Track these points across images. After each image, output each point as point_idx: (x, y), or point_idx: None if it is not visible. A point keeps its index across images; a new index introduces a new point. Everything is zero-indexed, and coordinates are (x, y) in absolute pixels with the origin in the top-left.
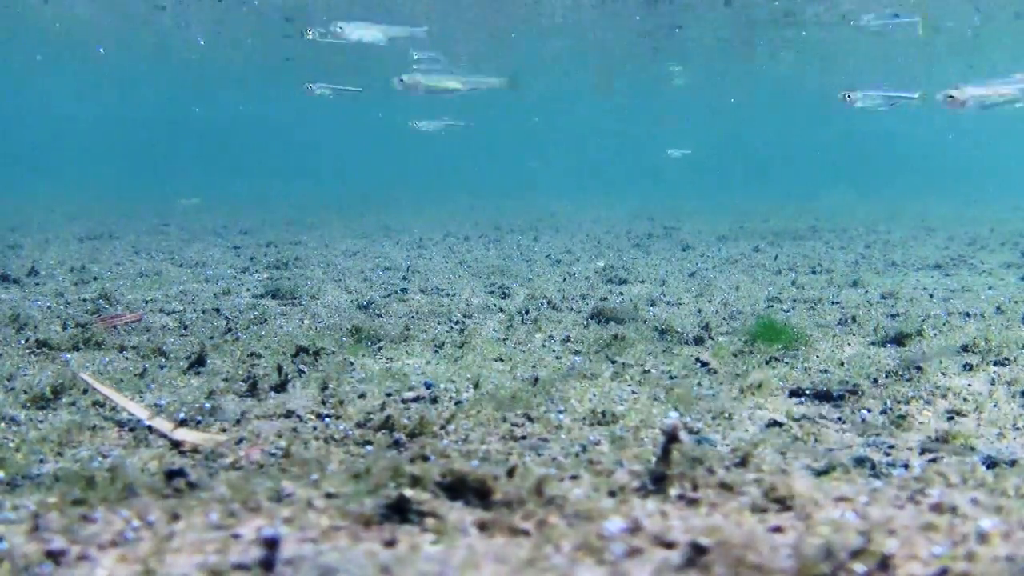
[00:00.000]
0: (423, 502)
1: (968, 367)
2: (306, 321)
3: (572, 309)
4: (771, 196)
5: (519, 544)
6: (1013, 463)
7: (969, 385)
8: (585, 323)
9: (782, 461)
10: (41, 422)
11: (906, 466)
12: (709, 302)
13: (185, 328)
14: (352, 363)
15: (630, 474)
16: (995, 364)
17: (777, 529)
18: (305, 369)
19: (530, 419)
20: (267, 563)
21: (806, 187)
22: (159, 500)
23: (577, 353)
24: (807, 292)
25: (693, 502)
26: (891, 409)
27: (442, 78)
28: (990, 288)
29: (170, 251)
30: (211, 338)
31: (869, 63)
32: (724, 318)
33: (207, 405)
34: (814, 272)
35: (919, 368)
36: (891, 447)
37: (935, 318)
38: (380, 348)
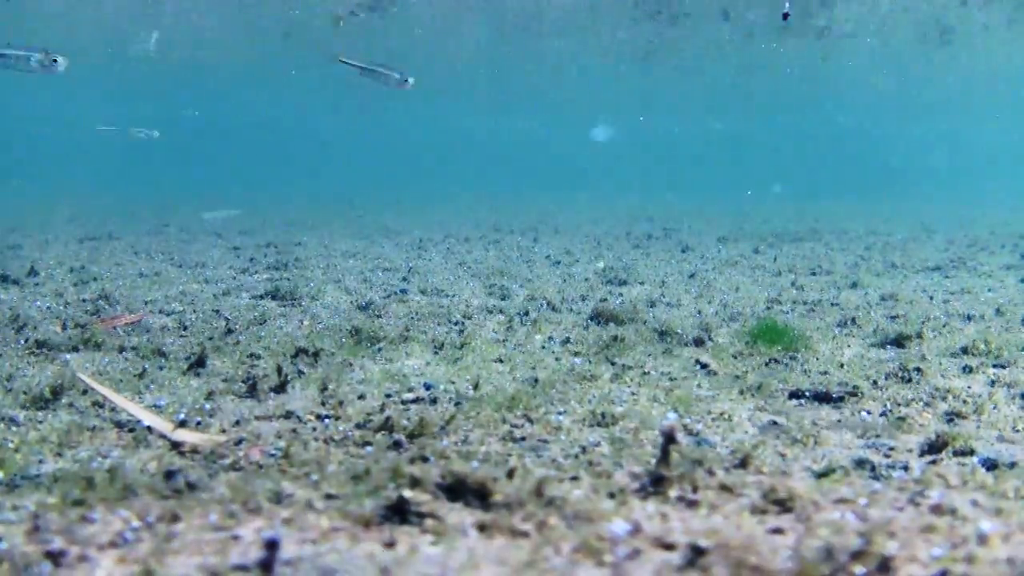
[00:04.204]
0: (423, 503)
1: (968, 369)
2: (306, 322)
3: (572, 310)
4: (771, 197)
5: (519, 545)
6: (1013, 465)
7: (969, 387)
8: (585, 324)
9: (782, 463)
10: (40, 423)
11: (906, 468)
12: (709, 303)
13: (185, 329)
14: (352, 364)
15: (630, 476)
16: (995, 366)
17: (777, 531)
18: (305, 370)
19: (530, 420)
20: (266, 564)
21: (806, 188)
22: (159, 501)
23: (577, 354)
24: (807, 294)
25: (693, 504)
26: (891, 411)
27: None
28: (990, 290)
29: (170, 252)
30: (211, 339)
31: (870, 61)
32: (724, 319)
33: (207, 406)
34: (814, 274)
35: (919, 370)
36: (891, 449)
37: (935, 320)
38: (380, 349)
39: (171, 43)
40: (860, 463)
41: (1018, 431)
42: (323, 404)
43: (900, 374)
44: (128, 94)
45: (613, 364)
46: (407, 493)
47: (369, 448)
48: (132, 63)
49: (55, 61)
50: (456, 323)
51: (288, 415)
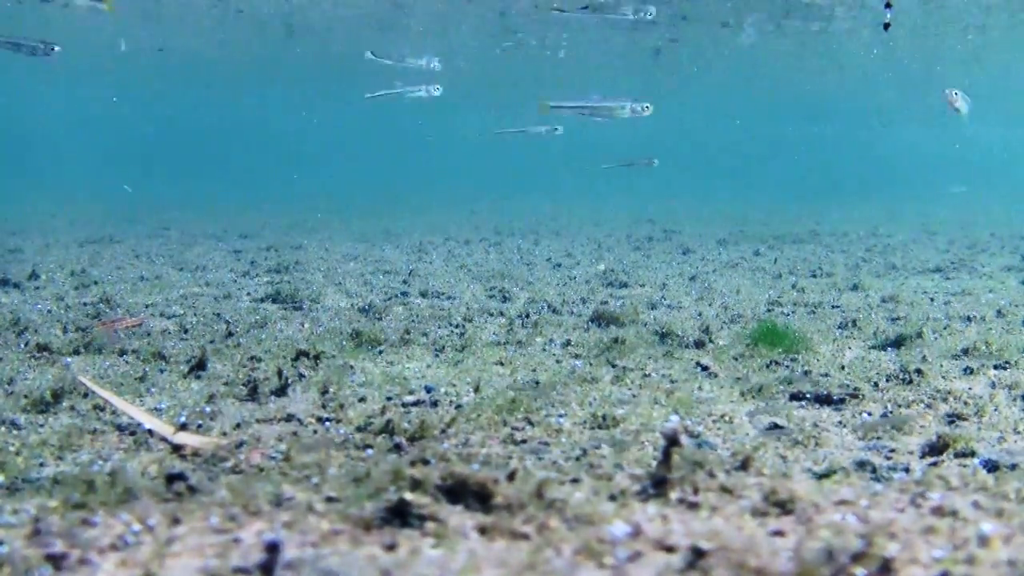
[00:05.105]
0: (424, 506)
1: (969, 371)
2: (306, 325)
3: (572, 313)
4: (771, 199)
5: (520, 548)
6: (1014, 467)
7: (970, 389)
8: (585, 327)
9: (783, 464)
10: (41, 426)
11: (907, 469)
12: (709, 306)
13: (185, 332)
14: (352, 367)
15: (631, 478)
16: (995, 368)
17: (778, 533)
18: (305, 373)
19: (530, 423)
20: (267, 567)
21: (806, 190)
22: (159, 504)
23: (577, 357)
24: (807, 296)
25: (694, 506)
26: (892, 412)
27: None
28: (991, 292)
29: (170, 255)
30: (211, 342)
31: (870, 62)
32: (724, 322)
33: (207, 409)
34: (814, 276)
35: (919, 371)
36: (892, 450)
37: (935, 322)
38: (380, 352)
39: (169, 42)
40: (861, 465)
41: (1019, 433)
42: (324, 407)
43: (901, 376)
44: (129, 94)
45: (614, 366)
46: (408, 496)
47: (370, 451)
48: (131, 60)
49: (641, 109)
50: (457, 326)
51: (289, 418)
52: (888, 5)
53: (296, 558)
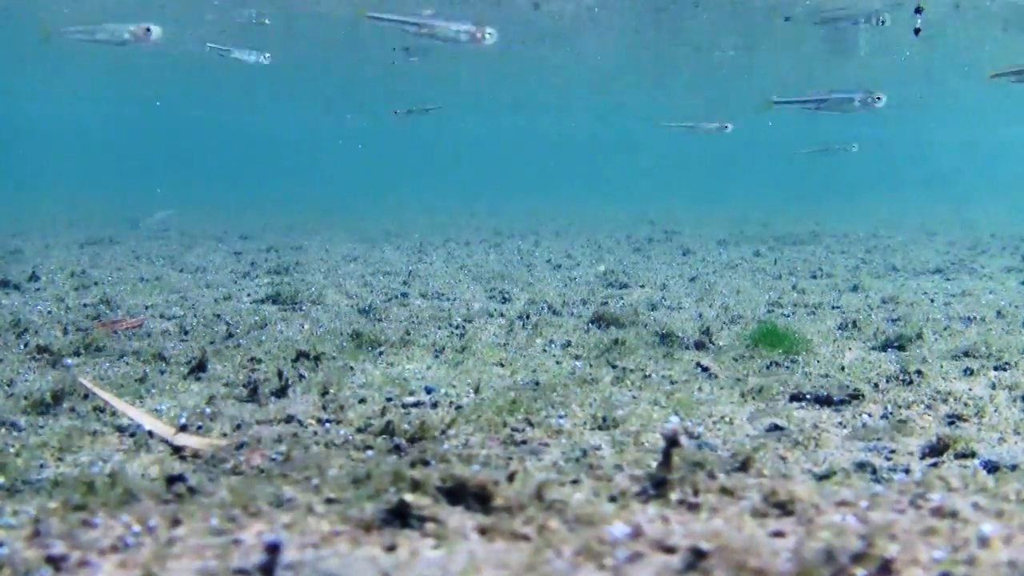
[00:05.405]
0: (424, 507)
1: (969, 372)
2: (307, 326)
3: (573, 314)
4: (771, 200)
5: (520, 549)
6: (1014, 467)
7: (970, 390)
8: (586, 328)
9: (783, 466)
10: (41, 427)
11: (907, 470)
12: (710, 306)
13: (186, 333)
14: (353, 368)
15: (631, 479)
16: (996, 369)
17: (778, 533)
18: (306, 374)
19: (531, 424)
20: (268, 568)
21: (807, 191)
22: (160, 505)
23: (578, 358)
24: (808, 297)
25: (694, 507)
26: (892, 414)
27: None
28: (991, 292)
29: (170, 256)
30: (212, 343)
31: (872, 61)
32: (725, 323)
33: (208, 410)
34: (815, 277)
35: (920, 372)
36: (892, 452)
37: (935, 322)
38: (381, 353)
39: (169, 42)
40: (861, 466)
41: (1019, 434)
42: (324, 408)
43: (901, 377)
44: (128, 94)
45: (614, 367)
46: (408, 497)
47: (370, 452)
48: (132, 60)
49: (872, 100)
50: (457, 327)
51: (289, 419)
52: (918, 10)
53: (296, 559)
